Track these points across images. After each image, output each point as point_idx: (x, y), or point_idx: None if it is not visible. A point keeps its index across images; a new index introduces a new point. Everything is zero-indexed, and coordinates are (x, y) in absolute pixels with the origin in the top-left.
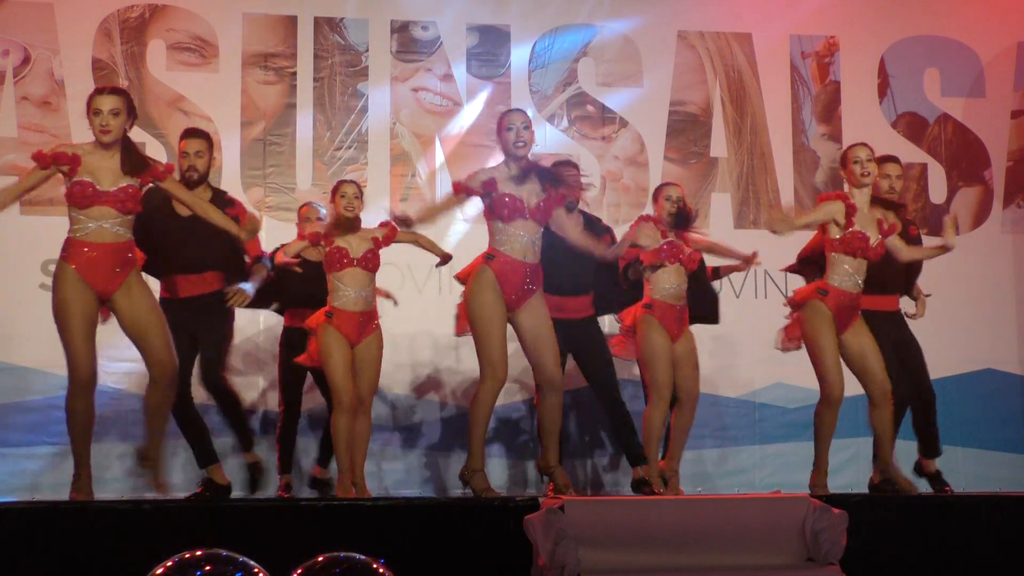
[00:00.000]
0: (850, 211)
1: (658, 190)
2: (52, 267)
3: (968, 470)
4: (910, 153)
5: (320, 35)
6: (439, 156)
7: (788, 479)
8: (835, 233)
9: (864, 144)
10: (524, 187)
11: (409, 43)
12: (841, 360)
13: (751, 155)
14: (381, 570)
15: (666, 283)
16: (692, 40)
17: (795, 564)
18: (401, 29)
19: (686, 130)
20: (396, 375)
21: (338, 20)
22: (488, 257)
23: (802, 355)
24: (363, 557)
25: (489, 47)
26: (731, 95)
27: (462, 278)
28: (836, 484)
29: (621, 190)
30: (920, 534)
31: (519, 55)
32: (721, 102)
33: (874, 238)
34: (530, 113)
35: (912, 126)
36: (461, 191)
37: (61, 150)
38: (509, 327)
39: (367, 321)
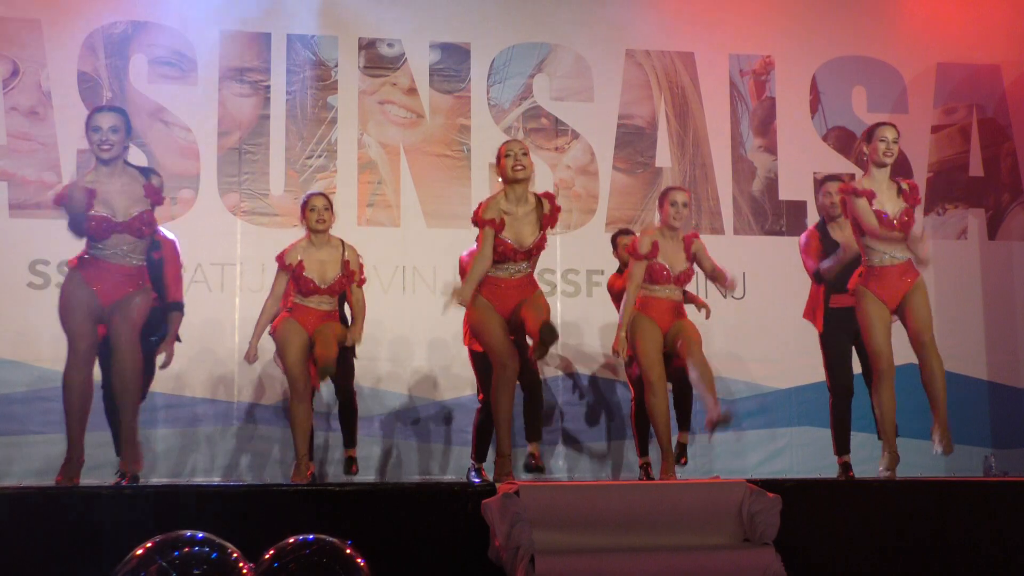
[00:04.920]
0: (867, 196)
1: (664, 194)
2: (39, 267)
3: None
4: (839, 165)
5: (292, 51)
6: (404, 165)
7: (727, 465)
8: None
9: (894, 126)
10: (525, 221)
11: (376, 59)
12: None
13: (693, 165)
14: (349, 551)
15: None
16: (639, 58)
17: (733, 544)
18: (368, 46)
19: (633, 142)
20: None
21: (309, 37)
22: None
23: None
24: (332, 539)
25: (451, 63)
26: (675, 110)
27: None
28: (771, 470)
29: (573, 197)
30: (848, 516)
31: (479, 71)
32: (666, 116)
33: (894, 210)
34: (488, 124)
35: (841, 139)
36: (480, 223)
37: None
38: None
39: (326, 316)
